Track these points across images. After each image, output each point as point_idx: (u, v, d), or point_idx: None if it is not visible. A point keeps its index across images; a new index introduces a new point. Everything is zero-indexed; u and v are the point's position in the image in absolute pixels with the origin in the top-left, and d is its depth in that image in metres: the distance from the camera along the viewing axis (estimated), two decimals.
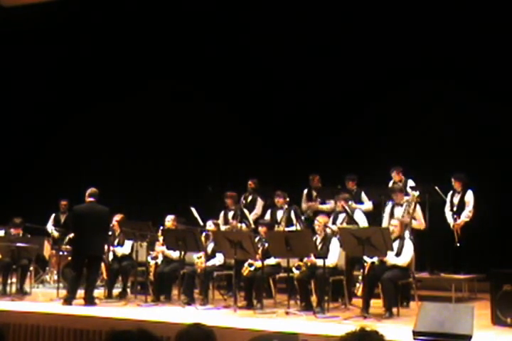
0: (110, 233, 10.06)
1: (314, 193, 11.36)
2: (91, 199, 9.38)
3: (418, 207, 9.61)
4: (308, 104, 12.31)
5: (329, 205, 10.96)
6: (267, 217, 10.58)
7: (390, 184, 10.71)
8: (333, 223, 9.38)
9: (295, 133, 12.29)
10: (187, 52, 13.54)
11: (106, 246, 9.97)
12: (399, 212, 9.58)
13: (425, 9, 11.23)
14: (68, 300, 9.01)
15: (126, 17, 14.04)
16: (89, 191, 9.43)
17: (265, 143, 12.53)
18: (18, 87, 15.04)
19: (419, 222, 9.63)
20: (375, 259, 8.17)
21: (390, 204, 9.81)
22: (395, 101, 11.21)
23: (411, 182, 10.42)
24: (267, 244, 8.73)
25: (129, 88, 13.87)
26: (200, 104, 13.12)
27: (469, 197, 9.92)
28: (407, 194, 9.87)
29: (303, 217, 10.32)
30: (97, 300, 9.27)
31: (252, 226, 10.59)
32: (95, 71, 14.19)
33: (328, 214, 9.82)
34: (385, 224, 9.51)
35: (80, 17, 14.42)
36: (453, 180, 9.99)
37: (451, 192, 10.03)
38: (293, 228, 10.04)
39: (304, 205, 11.26)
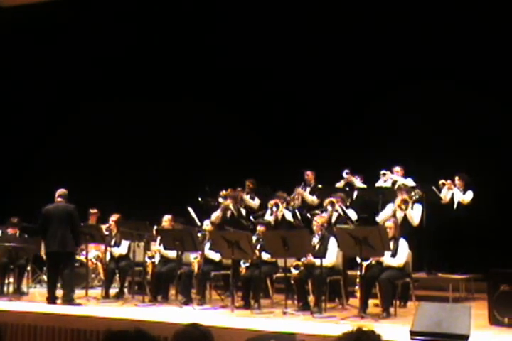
0: (107, 233, 10.05)
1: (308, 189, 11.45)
2: (59, 199, 9.51)
3: (420, 206, 9.60)
4: (309, 103, 12.31)
5: (315, 198, 11.11)
6: (268, 217, 10.60)
7: (389, 184, 10.72)
8: None
9: (295, 133, 12.31)
10: (187, 51, 13.55)
11: (104, 247, 9.98)
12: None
13: (425, 10, 11.26)
14: (49, 299, 9.07)
15: (125, 17, 14.03)
16: (58, 192, 9.56)
17: (265, 143, 12.53)
18: (18, 87, 15.02)
19: (414, 217, 9.57)
20: (371, 261, 8.19)
21: (392, 204, 9.75)
22: (395, 101, 11.21)
23: (411, 182, 10.44)
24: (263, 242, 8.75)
25: (129, 88, 13.87)
26: (200, 103, 13.11)
27: (470, 195, 10.04)
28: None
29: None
30: (78, 300, 9.17)
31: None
32: (95, 71, 14.18)
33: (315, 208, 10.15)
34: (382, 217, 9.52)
35: (80, 17, 14.41)
36: (457, 178, 10.09)
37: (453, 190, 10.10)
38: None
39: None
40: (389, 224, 8.52)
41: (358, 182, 10.99)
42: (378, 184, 10.77)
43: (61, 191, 9.58)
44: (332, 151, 11.72)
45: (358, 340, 2.93)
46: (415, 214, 9.47)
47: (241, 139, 12.73)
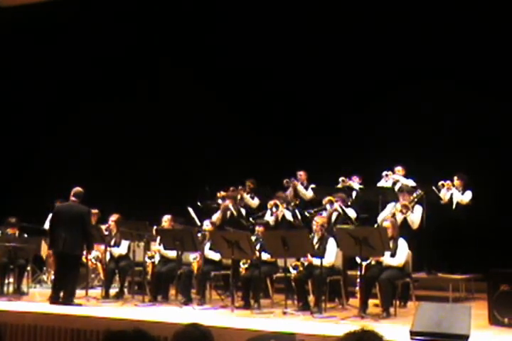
0: (107, 233, 10.04)
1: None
2: (73, 198, 9.30)
3: (420, 208, 9.60)
4: (309, 103, 12.32)
5: (309, 194, 11.19)
6: (268, 217, 10.60)
7: (390, 184, 10.72)
8: None
9: (295, 133, 12.31)
10: (187, 51, 13.56)
11: (103, 247, 9.96)
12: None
13: (425, 9, 11.26)
14: (51, 299, 9.04)
15: (125, 17, 14.04)
16: (73, 190, 9.33)
17: (265, 143, 12.54)
18: (18, 87, 15.02)
19: (414, 221, 9.58)
20: (370, 260, 8.19)
21: (392, 204, 9.76)
22: (395, 101, 11.21)
23: (411, 182, 10.45)
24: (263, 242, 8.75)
25: (128, 88, 13.87)
26: (199, 103, 13.11)
27: (468, 195, 10.04)
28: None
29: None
30: (78, 300, 9.13)
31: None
32: (95, 71, 14.18)
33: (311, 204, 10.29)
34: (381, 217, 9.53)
35: (80, 17, 14.41)
36: (456, 178, 10.10)
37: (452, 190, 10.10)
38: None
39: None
40: (387, 224, 8.52)
41: (355, 185, 10.98)
42: (380, 184, 10.78)
43: (76, 190, 9.31)
44: (332, 151, 11.73)
45: (360, 340, 2.93)
46: (415, 218, 9.47)
47: (241, 139, 12.73)
